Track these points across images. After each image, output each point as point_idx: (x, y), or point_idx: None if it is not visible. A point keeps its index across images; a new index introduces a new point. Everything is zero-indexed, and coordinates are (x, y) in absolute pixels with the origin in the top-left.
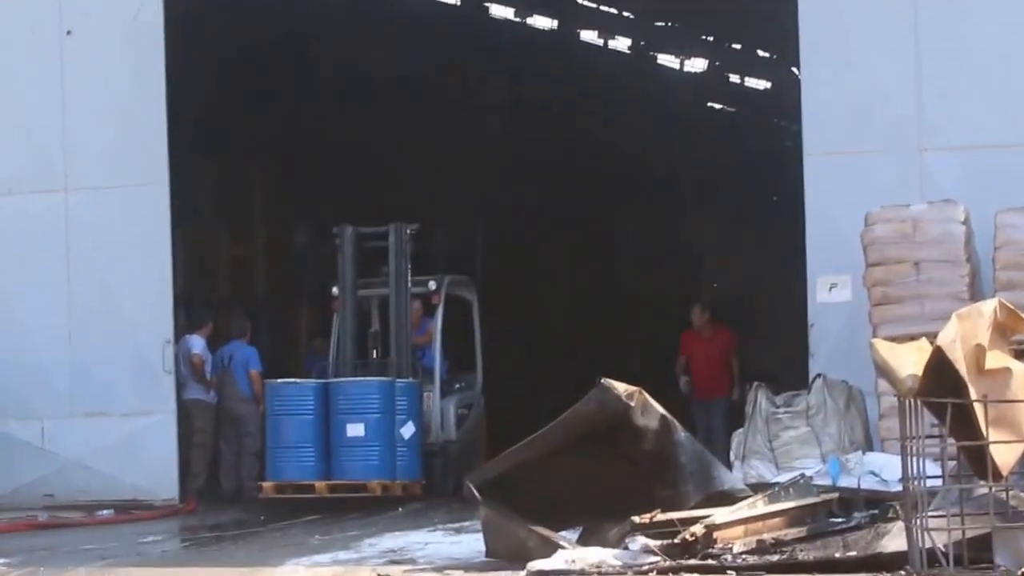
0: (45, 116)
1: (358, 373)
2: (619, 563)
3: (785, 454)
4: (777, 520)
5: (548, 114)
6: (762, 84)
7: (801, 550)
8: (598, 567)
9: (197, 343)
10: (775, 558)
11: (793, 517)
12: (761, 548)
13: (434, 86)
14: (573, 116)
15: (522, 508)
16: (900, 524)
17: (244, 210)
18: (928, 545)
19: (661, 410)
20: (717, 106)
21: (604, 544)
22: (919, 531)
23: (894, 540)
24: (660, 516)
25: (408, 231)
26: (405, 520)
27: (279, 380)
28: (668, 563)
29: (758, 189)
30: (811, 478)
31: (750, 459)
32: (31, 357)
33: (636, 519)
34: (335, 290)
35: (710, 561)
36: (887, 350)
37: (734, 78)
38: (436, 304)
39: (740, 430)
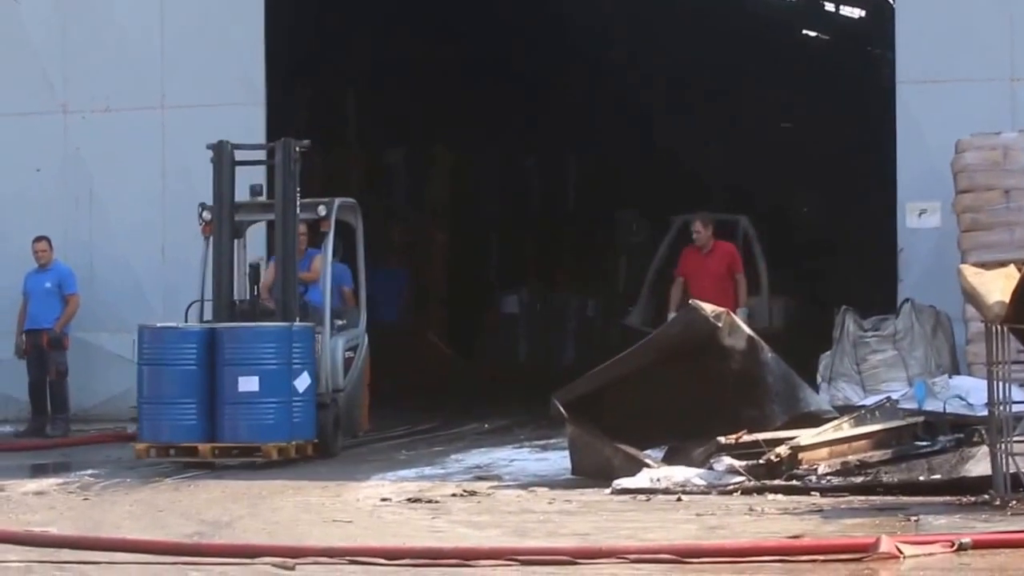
0: (144, 35)
1: (236, 316)
2: (704, 483)
3: (872, 377)
4: (862, 442)
5: (637, 39)
6: (857, 12)
7: (885, 472)
8: (683, 486)
9: None
10: (859, 480)
11: (878, 440)
12: (846, 470)
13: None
14: (662, 41)
15: (608, 426)
16: (985, 448)
17: (338, 131)
18: (1012, 470)
19: (748, 331)
20: (812, 34)
21: (689, 463)
22: (1004, 455)
23: (979, 464)
24: (746, 436)
25: (297, 148)
26: (491, 437)
27: (158, 324)
28: (753, 483)
29: (850, 115)
30: (897, 401)
31: (837, 381)
32: (125, 271)
33: (722, 439)
34: (206, 215)
35: (795, 482)
36: (975, 276)
37: (829, 6)
38: (325, 232)
39: (827, 352)
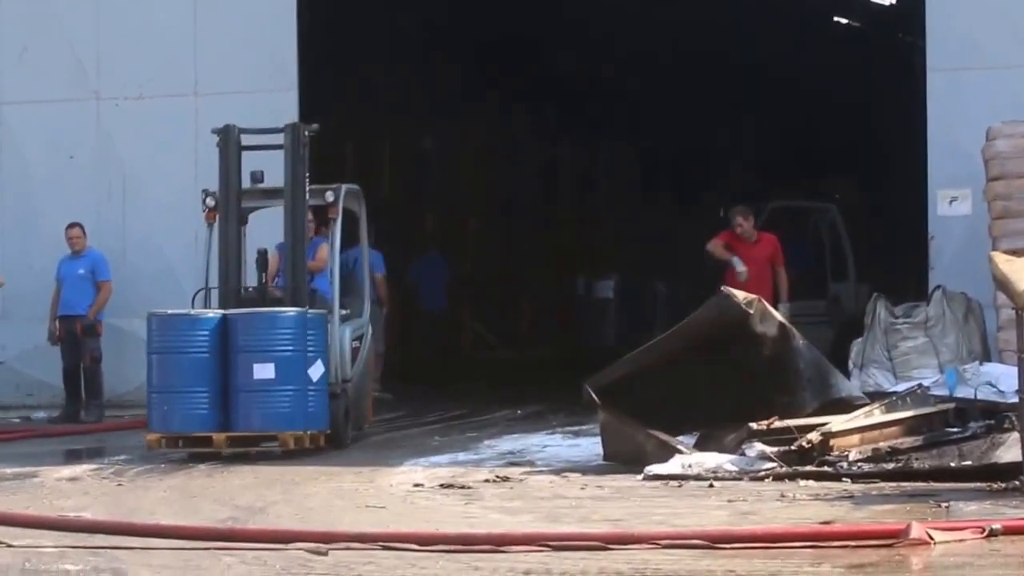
0: (176, 21)
1: (243, 303)
2: (735, 469)
3: (903, 364)
4: (893, 429)
5: (677, 25)
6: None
7: (916, 459)
8: (714, 472)
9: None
10: (890, 466)
11: (910, 426)
12: (877, 456)
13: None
14: (699, 29)
15: (640, 413)
16: (1015, 435)
17: (370, 116)
18: None
19: (780, 317)
20: (843, 20)
21: (721, 449)
22: None
23: (1009, 450)
24: (777, 423)
25: (306, 132)
26: (524, 423)
27: (170, 311)
28: (784, 469)
29: (881, 102)
30: (928, 388)
31: (868, 368)
32: (159, 258)
33: (753, 425)
34: (210, 201)
35: (826, 468)
36: (1006, 263)
37: None
38: (333, 219)
39: (859, 339)
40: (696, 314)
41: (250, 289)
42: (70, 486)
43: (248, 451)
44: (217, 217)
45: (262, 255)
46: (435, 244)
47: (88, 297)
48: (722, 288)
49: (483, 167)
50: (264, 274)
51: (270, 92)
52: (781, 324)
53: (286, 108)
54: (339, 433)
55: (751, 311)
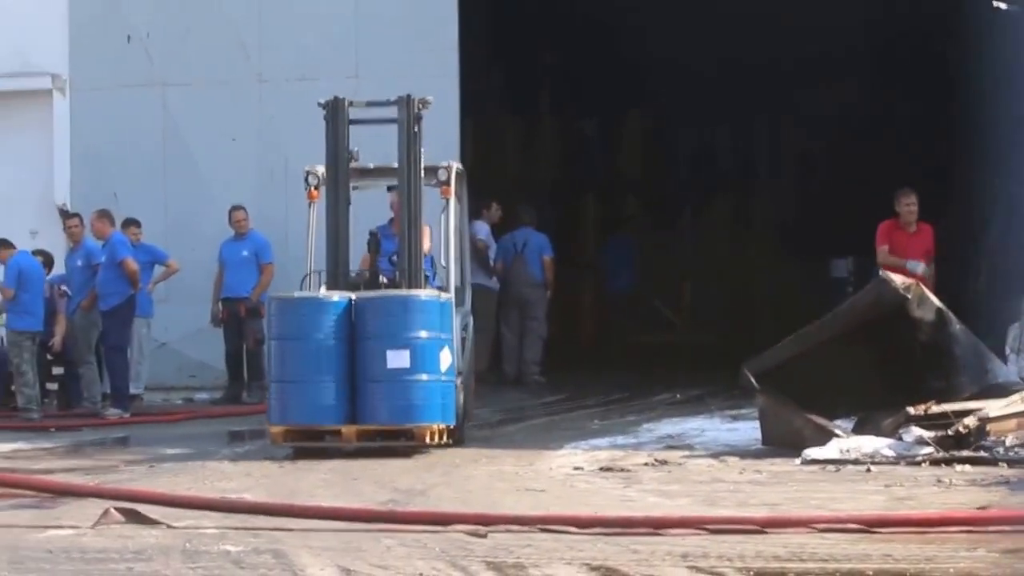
0: (338, 4)
1: (352, 287)
2: (893, 453)
3: None
4: None
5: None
6: None
7: None
8: (872, 457)
9: (482, 229)
10: None
11: None
12: None
13: None
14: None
15: (798, 396)
16: None
17: (532, 100)
18: None
19: (937, 302)
20: (1003, 5)
21: (878, 434)
22: None
23: None
24: (934, 407)
25: (419, 106)
26: (683, 407)
27: (296, 294)
28: (941, 454)
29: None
30: None
31: None
32: (322, 239)
33: (911, 410)
34: (312, 179)
35: (983, 453)
36: None
37: None
38: (447, 199)
39: (1016, 324)
40: (854, 299)
41: (361, 273)
42: (232, 467)
43: (372, 446)
44: (322, 196)
45: (374, 237)
46: (627, 226)
47: (251, 279)
48: (880, 273)
49: (648, 148)
50: (376, 256)
51: (431, 76)
52: (939, 309)
53: (447, 92)
54: (461, 427)
55: (909, 296)
